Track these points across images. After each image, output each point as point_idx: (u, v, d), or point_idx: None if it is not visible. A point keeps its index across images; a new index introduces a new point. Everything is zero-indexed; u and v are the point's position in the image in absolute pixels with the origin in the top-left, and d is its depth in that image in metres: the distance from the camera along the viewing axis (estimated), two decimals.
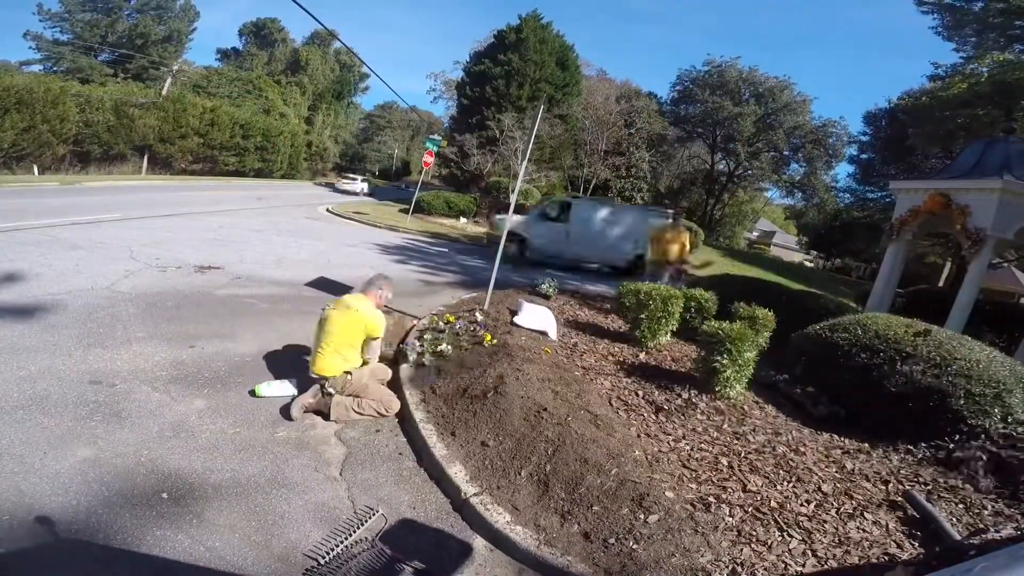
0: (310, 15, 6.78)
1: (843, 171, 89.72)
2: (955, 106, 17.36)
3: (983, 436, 3.42)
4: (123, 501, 2.18)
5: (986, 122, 16.08)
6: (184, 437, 2.74)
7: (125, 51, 34.59)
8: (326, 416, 3.21)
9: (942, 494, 2.87)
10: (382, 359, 3.90)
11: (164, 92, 24.89)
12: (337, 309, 3.39)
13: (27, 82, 15.32)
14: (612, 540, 2.32)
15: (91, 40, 34.55)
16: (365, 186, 28.85)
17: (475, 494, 2.59)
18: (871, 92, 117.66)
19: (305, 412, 3.21)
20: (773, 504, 2.63)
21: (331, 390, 3.26)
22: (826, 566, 2.25)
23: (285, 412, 3.17)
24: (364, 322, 3.38)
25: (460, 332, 4.68)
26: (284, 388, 3.42)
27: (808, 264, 41.81)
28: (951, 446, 3.38)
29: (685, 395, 3.88)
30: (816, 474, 2.99)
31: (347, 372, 3.31)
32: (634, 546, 2.28)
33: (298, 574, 2.01)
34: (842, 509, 2.65)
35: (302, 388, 3.38)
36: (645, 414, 3.57)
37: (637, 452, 2.97)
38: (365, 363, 3.57)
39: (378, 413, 3.32)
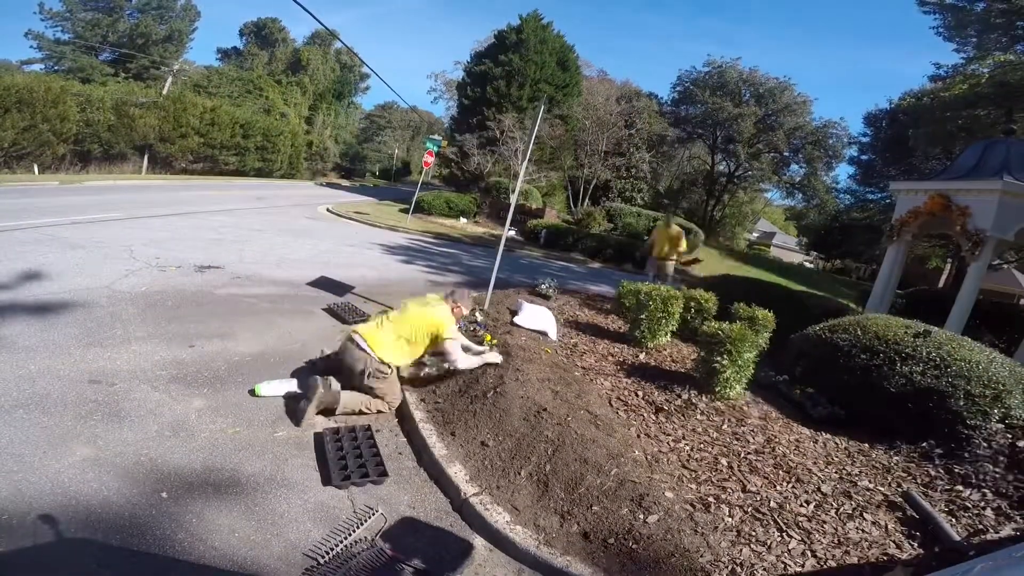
0: (311, 15, 6.79)
1: (843, 172, 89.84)
2: (956, 107, 17.35)
3: (983, 436, 3.41)
4: (122, 500, 2.18)
5: (987, 123, 16.07)
6: (184, 436, 2.74)
7: (126, 51, 34.55)
8: (330, 412, 3.19)
9: (941, 495, 2.87)
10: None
11: (165, 91, 24.92)
12: (416, 301, 3.57)
13: (28, 81, 15.31)
14: (612, 540, 2.32)
15: (92, 40, 34.50)
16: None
17: (475, 494, 2.59)
18: (872, 92, 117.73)
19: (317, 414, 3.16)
20: (772, 504, 2.63)
21: (363, 367, 3.22)
22: (825, 566, 2.25)
23: (291, 416, 3.13)
24: (434, 320, 3.44)
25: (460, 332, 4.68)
26: (284, 387, 3.41)
27: (808, 265, 41.80)
28: (951, 446, 3.38)
29: (685, 395, 3.88)
30: (815, 475, 2.99)
31: (388, 364, 3.30)
32: (633, 546, 2.28)
33: (298, 573, 2.01)
34: (841, 509, 2.65)
35: (302, 387, 3.38)
36: (645, 414, 3.57)
37: (637, 452, 2.97)
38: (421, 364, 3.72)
39: (378, 411, 3.33)
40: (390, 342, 3.34)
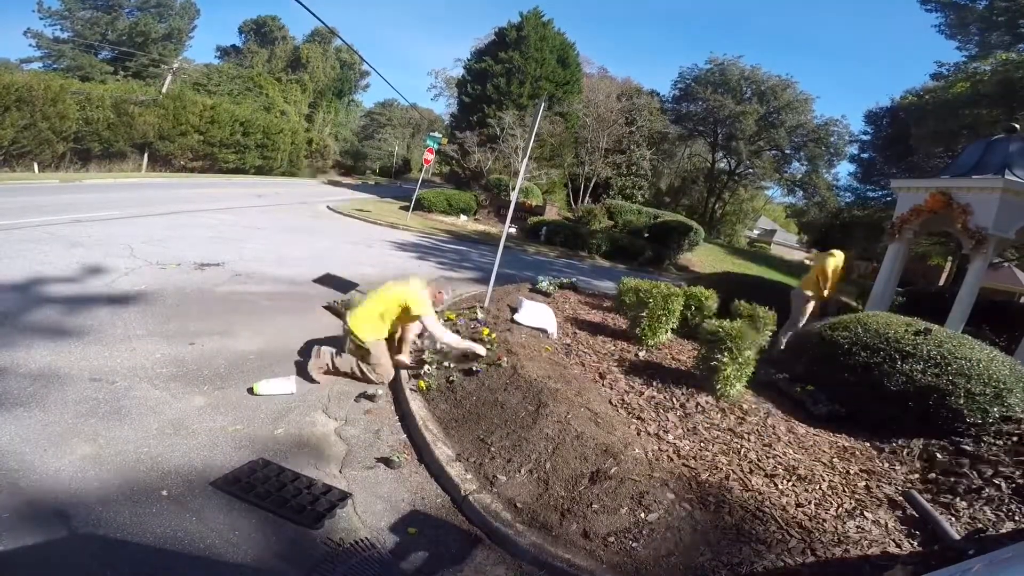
0: (311, 13, 6.77)
1: (844, 170, 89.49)
2: (958, 105, 17.30)
3: (983, 434, 3.41)
4: (123, 498, 2.18)
5: (989, 121, 16.02)
6: (184, 435, 2.74)
7: (125, 49, 34.50)
8: (333, 370, 3.69)
9: (941, 493, 2.87)
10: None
11: (164, 90, 24.84)
12: (396, 282, 3.85)
13: (27, 80, 15.26)
14: (612, 538, 2.32)
15: (91, 38, 34.45)
16: None
17: (475, 491, 2.59)
18: (873, 91, 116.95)
19: (324, 373, 3.67)
20: (772, 503, 2.63)
21: (352, 344, 3.69)
22: (825, 565, 2.25)
23: (305, 375, 3.64)
24: (404, 294, 3.69)
25: (461, 330, 4.68)
26: (283, 386, 3.41)
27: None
28: (951, 445, 3.38)
29: (685, 393, 3.88)
30: (816, 473, 2.99)
31: (363, 339, 3.64)
32: (633, 544, 2.29)
33: (297, 572, 2.02)
34: (841, 508, 2.65)
35: (301, 386, 3.38)
36: (645, 412, 3.57)
37: (637, 450, 2.97)
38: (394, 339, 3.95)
39: (367, 378, 3.71)
40: (366, 318, 3.68)
